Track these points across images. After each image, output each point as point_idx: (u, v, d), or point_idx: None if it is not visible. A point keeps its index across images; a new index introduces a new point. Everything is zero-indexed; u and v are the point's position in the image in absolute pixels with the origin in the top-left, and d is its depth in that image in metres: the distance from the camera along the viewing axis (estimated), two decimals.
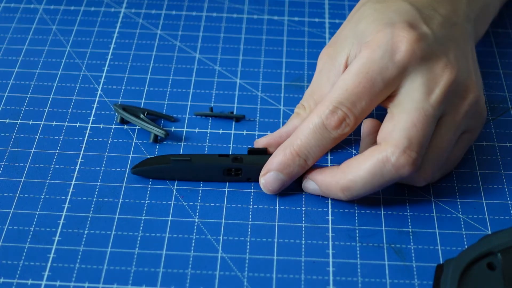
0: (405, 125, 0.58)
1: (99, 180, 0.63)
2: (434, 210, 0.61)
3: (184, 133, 0.67)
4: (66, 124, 0.67)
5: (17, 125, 0.67)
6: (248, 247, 0.58)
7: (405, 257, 0.58)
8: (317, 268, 0.57)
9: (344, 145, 0.66)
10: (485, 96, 0.68)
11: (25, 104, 0.69)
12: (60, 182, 0.62)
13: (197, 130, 0.67)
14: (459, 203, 0.62)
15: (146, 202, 0.61)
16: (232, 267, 0.57)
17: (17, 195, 0.61)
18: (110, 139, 0.66)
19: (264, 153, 0.63)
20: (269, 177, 0.61)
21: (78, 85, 0.71)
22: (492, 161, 0.65)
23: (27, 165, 0.64)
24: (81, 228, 0.59)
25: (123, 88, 0.71)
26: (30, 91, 0.70)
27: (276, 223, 0.60)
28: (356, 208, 0.61)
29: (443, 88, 0.59)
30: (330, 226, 0.60)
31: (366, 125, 0.62)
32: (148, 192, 0.62)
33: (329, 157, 0.65)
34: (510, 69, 0.75)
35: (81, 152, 0.65)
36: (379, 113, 0.68)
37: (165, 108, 0.69)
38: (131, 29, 0.78)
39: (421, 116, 0.58)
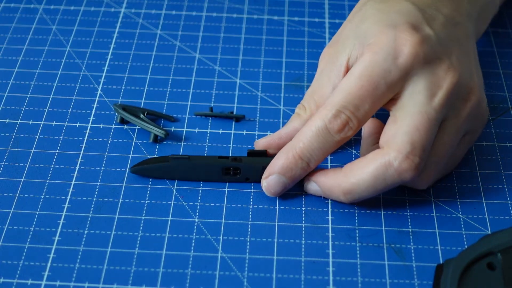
0: (408, 129, 0.57)
1: (99, 180, 0.63)
2: (434, 210, 0.61)
3: (184, 133, 0.67)
4: (66, 124, 0.67)
5: (17, 125, 0.67)
6: (248, 247, 0.58)
7: (405, 257, 0.58)
8: (317, 268, 0.57)
9: (344, 145, 0.66)
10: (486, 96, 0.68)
11: (25, 104, 0.69)
12: (60, 182, 0.62)
13: (197, 130, 0.67)
14: (459, 203, 0.62)
15: (146, 202, 0.61)
16: (232, 267, 0.57)
17: (17, 195, 0.61)
18: (110, 139, 0.66)
19: (264, 155, 0.63)
20: (271, 180, 0.61)
21: (78, 85, 0.71)
22: (492, 161, 0.65)
23: (27, 165, 0.64)
24: (81, 228, 0.59)
25: (123, 88, 0.71)
26: (30, 91, 0.70)
27: (276, 223, 0.60)
28: (356, 208, 0.61)
29: (446, 91, 0.58)
30: (330, 226, 0.60)
31: (367, 126, 0.61)
32: (148, 192, 0.62)
33: (329, 157, 0.65)
34: (510, 69, 0.75)
35: (81, 152, 0.65)
36: (379, 113, 0.68)
37: (165, 108, 0.69)
38: (131, 29, 0.78)
39: (424, 120, 0.58)
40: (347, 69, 0.62)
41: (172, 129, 0.67)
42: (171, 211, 0.60)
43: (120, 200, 0.61)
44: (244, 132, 0.67)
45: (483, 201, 0.62)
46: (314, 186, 0.61)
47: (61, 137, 0.66)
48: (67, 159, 0.64)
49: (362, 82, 0.58)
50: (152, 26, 0.78)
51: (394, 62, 0.58)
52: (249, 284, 0.56)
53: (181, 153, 0.65)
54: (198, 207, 0.61)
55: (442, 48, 0.60)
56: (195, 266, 0.57)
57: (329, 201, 0.62)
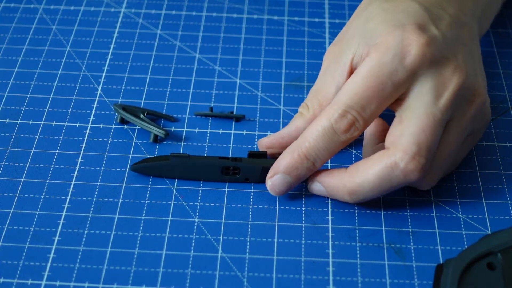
0: (414, 130, 0.57)
1: (99, 180, 0.63)
2: (434, 210, 0.61)
3: (184, 133, 0.67)
4: (66, 124, 0.67)
5: (17, 125, 0.67)
6: (248, 247, 0.58)
7: (405, 257, 0.58)
8: (317, 268, 0.57)
9: None
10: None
11: (25, 104, 0.69)
12: (60, 182, 0.62)
13: (197, 130, 0.67)
14: (459, 203, 0.62)
15: (146, 202, 0.61)
16: (232, 267, 0.57)
17: (17, 195, 0.61)
18: (110, 139, 0.66)
19: (264, 157, 0.63)
20: (276, 179, 0.60)
21: (78, 85, 0.71)
22: (492, 161, 0.65)
23: (27, 165, 0.64)
24: (81, 228, 0.59)
25: (123, 88, 0.71)
26: (30, 91, 0.70)
27: (276, 223, 0.60)
28: (356, 208, 0.61)
29: (452, 92, 0.58)
30: (330, 226, 0.60)
31: (370, 125, 0.61)
32: (148, 192, 0.62)
33: None
34: (510, 69, 0.75)
35: (81, 152, 0.65)
36: (383, 113, 0.68)
37: (165, 108, 0.69)
38: (131, 29, 0.78)
39: (430, 121, 0.57)
40: (351, 68, 0.61)
41: (172, 129, 0.67)
42: (171, 211, 0.60)
43: (120, 200, 0.61)
44: (244, 132, 0.67)
45: (483, 201, 0.62)
46: (318, 186, 0.61)
47: (61, 137, 0.66)
48: (67, 159, 0.64)
49: (368, 82, 0.58)
50: (152, 26, 0.78)
51: (401, 62, 0.58)
52: (249, 284, 0.56)
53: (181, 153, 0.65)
54: (198, 207, 0.61)
55: (448, 48, 0.60)
56: (195, 266, 0.57)
57: (329, 201, 0.62)
